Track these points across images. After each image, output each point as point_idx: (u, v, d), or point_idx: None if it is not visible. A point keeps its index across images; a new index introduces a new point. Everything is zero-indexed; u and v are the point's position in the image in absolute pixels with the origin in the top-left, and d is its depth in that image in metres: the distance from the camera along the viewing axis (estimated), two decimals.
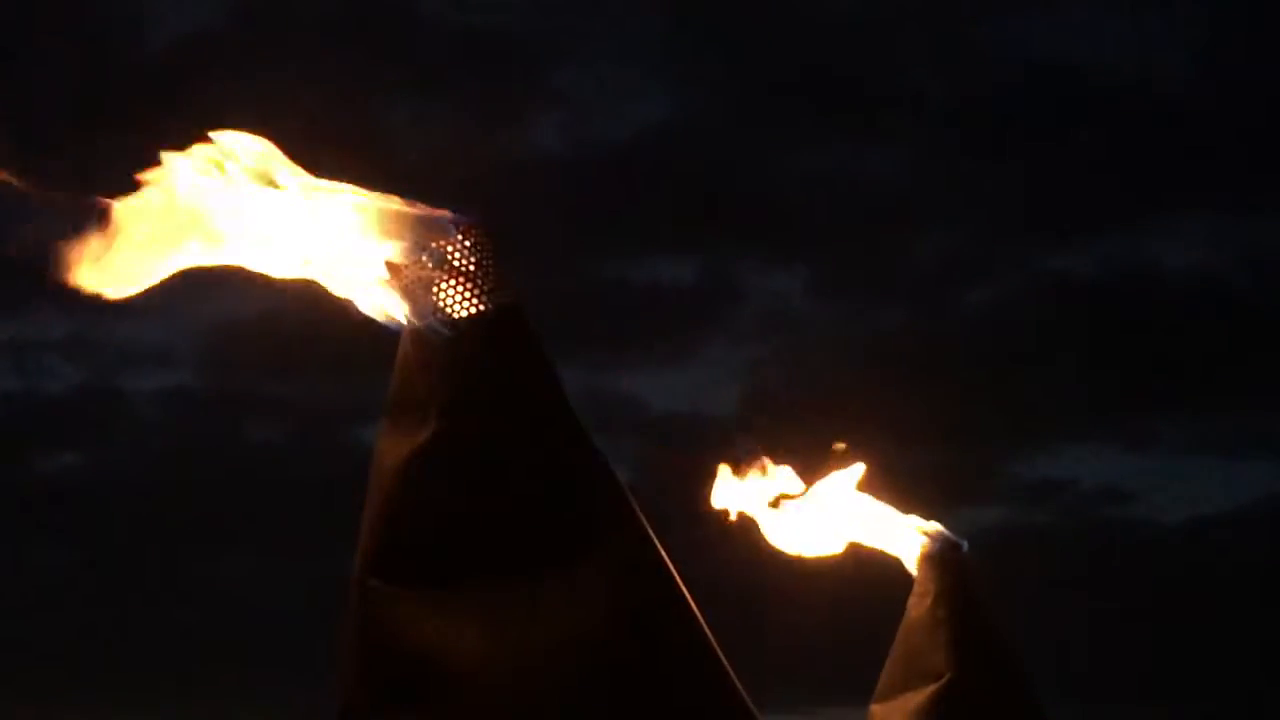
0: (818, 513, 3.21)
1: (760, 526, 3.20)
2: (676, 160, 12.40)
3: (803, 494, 3.20)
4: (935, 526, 3.12)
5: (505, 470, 1.71)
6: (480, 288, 1.73)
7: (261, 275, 1.76)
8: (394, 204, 1.74)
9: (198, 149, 1.73)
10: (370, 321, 1.75)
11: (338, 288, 1.76)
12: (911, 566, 3.10)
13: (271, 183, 1.73)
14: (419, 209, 1.74)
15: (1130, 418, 13.00)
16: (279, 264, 1.75)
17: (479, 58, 12.23)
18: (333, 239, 1.74)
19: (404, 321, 1.73)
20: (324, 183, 1.76)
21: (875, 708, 3.02)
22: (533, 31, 12.87)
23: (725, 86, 12.99)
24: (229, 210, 1.72)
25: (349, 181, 1.77)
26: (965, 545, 3.09)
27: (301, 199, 1.74)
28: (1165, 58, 13.39)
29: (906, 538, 3.12)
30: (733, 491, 3.17)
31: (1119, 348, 12.47)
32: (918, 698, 2.94)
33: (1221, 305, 12.66)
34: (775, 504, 3.19)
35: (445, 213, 1.74)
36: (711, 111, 13.05)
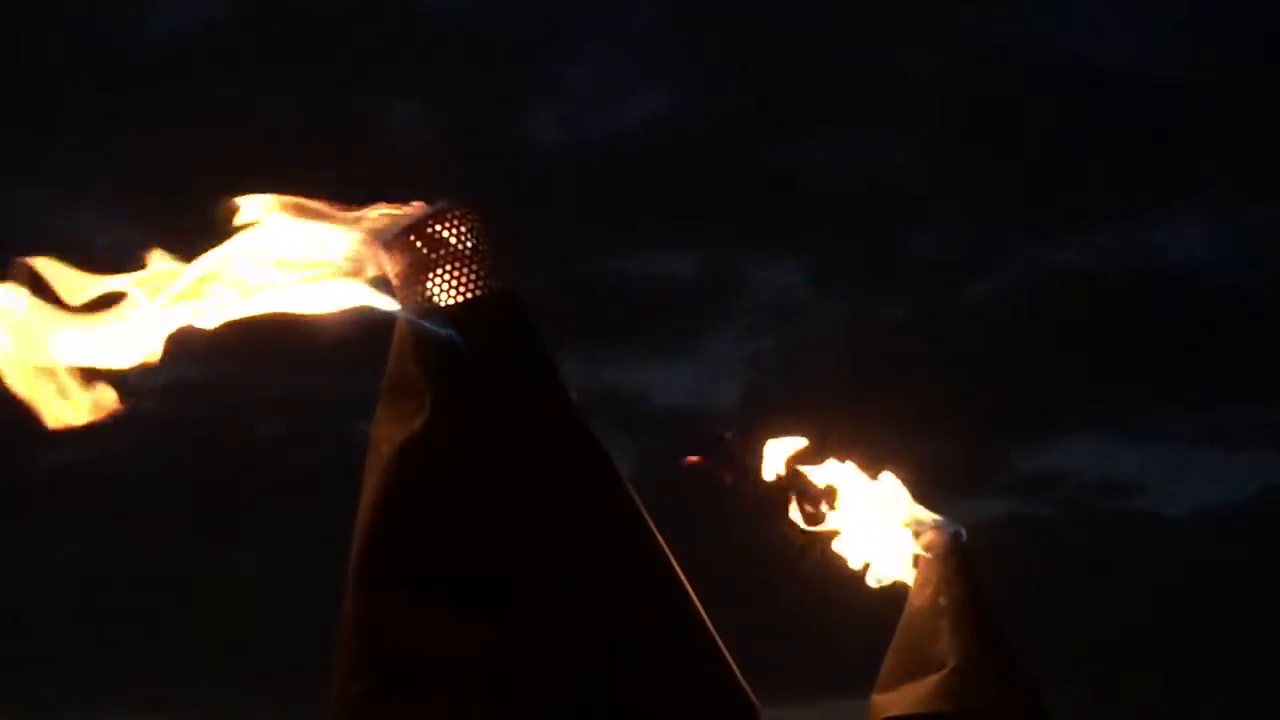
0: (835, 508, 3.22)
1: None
2: (677, 153, 12.40)
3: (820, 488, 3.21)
4: (937, 516, 3.13)
5: (501, 458, 1.71)
6: (474, 273, 1.73)
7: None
8: (382, 209, 1.75)
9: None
10: (370, 310, 1.75)
11: (333, 279, 1.77)
12: (913, 557, 3.11)
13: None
14: (407, 210, 1.75)
15: (1132, 409, 13.01)
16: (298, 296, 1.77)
17: (478, 51, 12.23)
18: (325, 238, 1.75)
19: (399, 308, 1.73)
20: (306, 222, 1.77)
21: (877, 698, 3.02)
22: (532, 24, 12.87)
23: (725, 79, 12.99)
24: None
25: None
26: (965, 534, 3.10)
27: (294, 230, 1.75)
28: (1166, 51, 13.38)
29: (908, 528, 3.13)
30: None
31: (1120, 339, 12.47)
32: (920, 687, 2.95)
33: (1223, 296, 12.67)
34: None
35: (438, 203, 1.75)
36: (712, 104, 13.05)
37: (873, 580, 3.18)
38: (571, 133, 13.47)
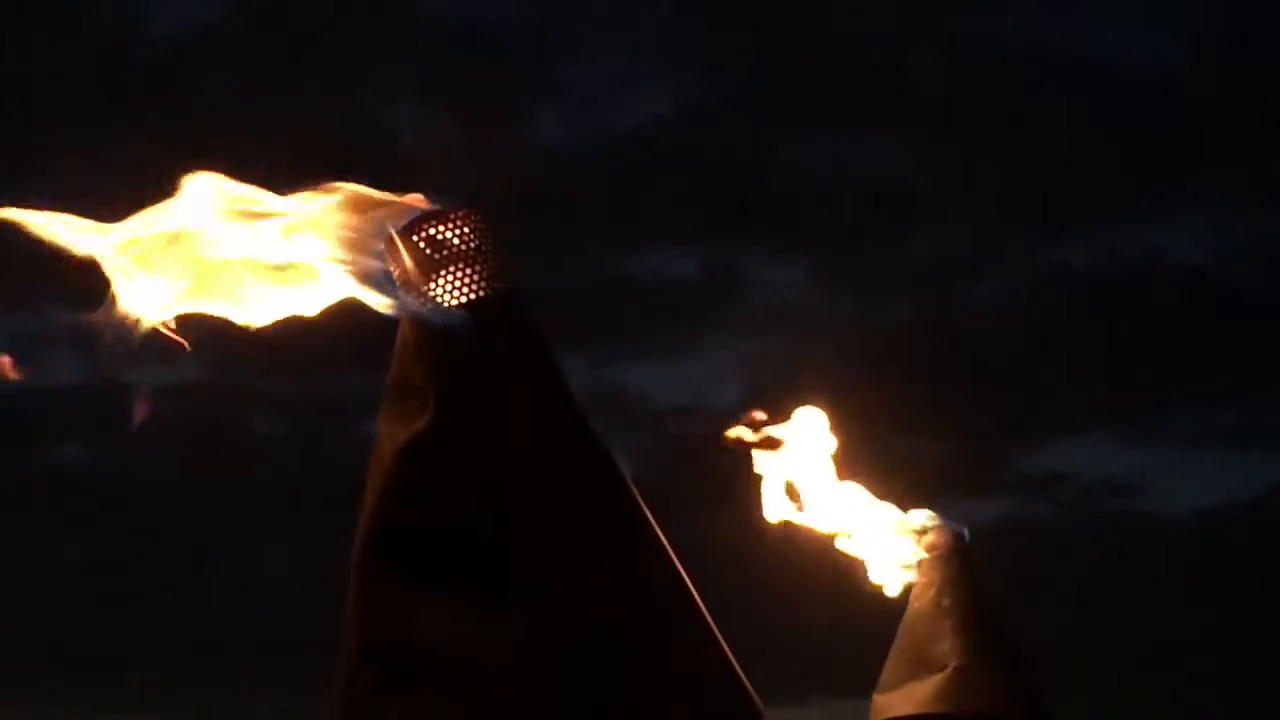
0: (819, 502, 3.20)
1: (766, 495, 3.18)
2: (679, 153, 12.41)
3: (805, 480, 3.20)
4: (938, 517, 3.13)
5: (505, 458, 1.71)
6: (479, 272, 1.73)
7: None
8: (387, 197, 1.74)
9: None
10: (371, 311, 1.75)
11: (336, 279, 1.76)
12: (915, 557, 3.10)
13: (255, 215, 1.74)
14: (412, 202, 1.75)
15: (1134, 410, 13.01)
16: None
17: (479, 51, 12.24)
18: (329, 233, 1.74)
19: (403, 308, 1.73)
20: (312, 196, 1.76)
21: (879, 698, 3.02)
22: (533, 25, 12.87)
23: (727, 79, 13.00)
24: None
25: (346, 176, 1.77)
26: (968, 535, 3.09)
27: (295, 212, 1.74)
28: (1167, 50, 13.39)
29: (910, 528, 3.13)
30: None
31: (1122, 339, 12.47)
32: (921, 688, 2.95)
33: (1225, 296, 12.68)
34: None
35: (440, 203, 1.75)
36: (714, 103, 13.06)
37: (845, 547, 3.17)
38: (572, 133, 13.49)
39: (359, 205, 1.74)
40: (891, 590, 3.15)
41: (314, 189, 1.74)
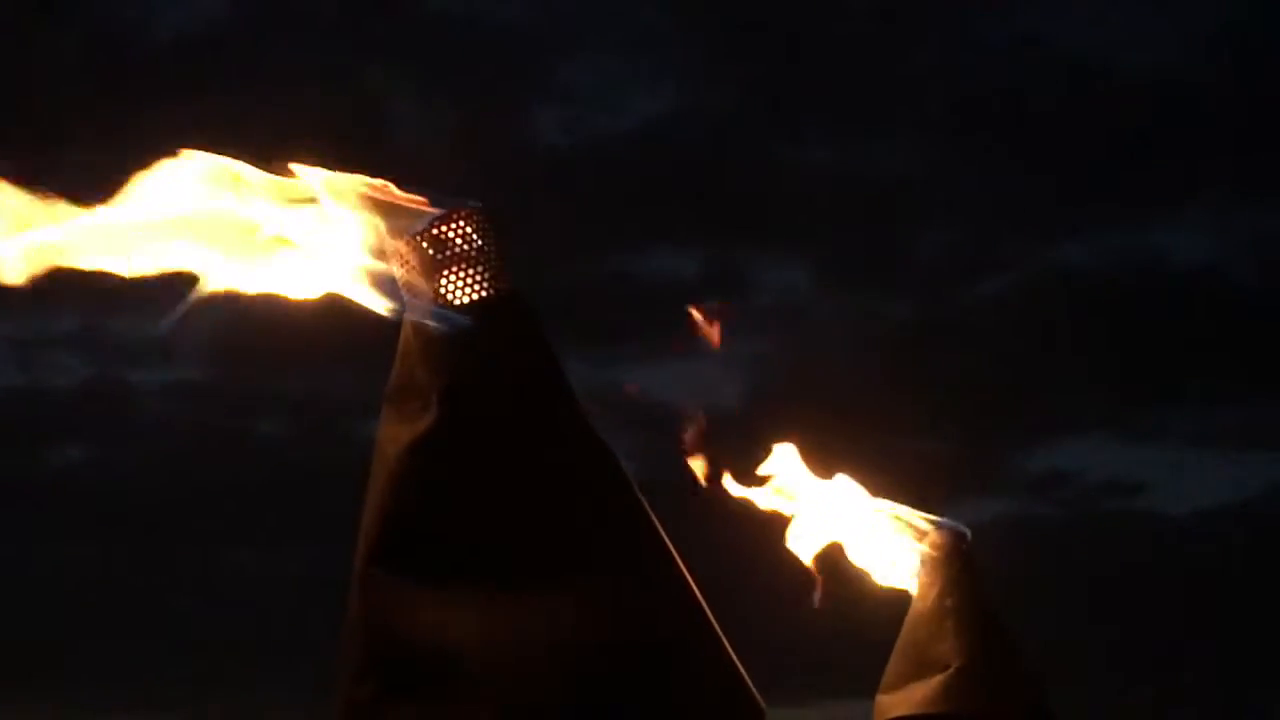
0: (821, 509, 3.20)
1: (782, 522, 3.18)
2: (680, 153, 12.41)
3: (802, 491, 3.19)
4: (940, 517, 3.12)
5: (508, 459, 1.70)
6: (482, 273, 1.72)
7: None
8: (392, 193, 1.74)
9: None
10: (371, 311, 1.75)
11: (339, 279, 1.76)
12: (917, 558, 3.10)
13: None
14: (417, 199, 1.74)
15: (1136, 410, 13.01)
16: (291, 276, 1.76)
17: (482, 50, 12.24)
18: (331, 230, 1.74)
19: (405, 308, 1.73)
20: (322, 175, 1.75)
21: (881, 698, 3.02)
22: (535, 24, 12.88)
23: (728, 79, 13.00)
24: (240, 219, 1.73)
25: (343, 170, 1.77)
26: (969, 535, 3.09)
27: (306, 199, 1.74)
28: (1169, 49, 13.39)
29: (912, 529, 3.12)
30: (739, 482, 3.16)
31: (1124, 339, 12.47)
32: (924, 688, 2.94)
33: (1226, 296, 12.67)
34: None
35: (444, 201, 1.74)
36: (715, 104, 13.06)
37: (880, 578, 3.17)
38: (572, 133, 13.49)
39: (365, 206, 1.73)
40: (894, 591, 3.15)
41: (319, 186, 1.73)
